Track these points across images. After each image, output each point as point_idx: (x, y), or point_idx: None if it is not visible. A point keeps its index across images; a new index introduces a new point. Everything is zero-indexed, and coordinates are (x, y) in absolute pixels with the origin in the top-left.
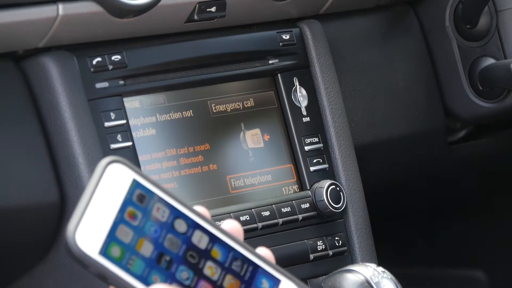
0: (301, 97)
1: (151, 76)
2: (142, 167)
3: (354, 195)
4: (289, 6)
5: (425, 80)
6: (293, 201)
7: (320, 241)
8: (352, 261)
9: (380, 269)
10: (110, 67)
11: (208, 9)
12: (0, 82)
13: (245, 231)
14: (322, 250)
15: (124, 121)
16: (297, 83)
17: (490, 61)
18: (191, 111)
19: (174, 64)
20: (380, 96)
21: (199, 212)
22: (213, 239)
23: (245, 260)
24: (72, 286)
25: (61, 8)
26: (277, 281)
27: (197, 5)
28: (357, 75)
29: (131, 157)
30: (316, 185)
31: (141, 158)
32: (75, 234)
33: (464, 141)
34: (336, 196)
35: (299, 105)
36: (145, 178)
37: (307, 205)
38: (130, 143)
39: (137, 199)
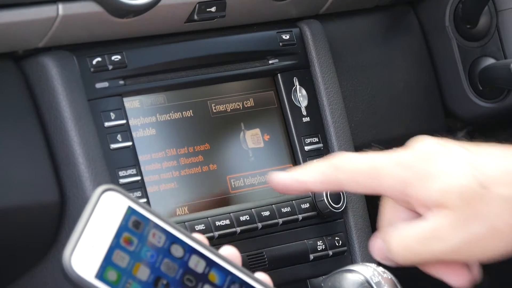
0: (301, 97)
1: (151, 76)
2: (142, 167)
3: (354, 195)
4: (289, 6)
5: (425, 80)
6: (293, 201)
7: (320, 241)
8: (352, 261)
9: (380, 269)
10: (110, 67)
11: (208, 9)
12: (0, 82)
13: (245, 231)
14: (322, 250)
15: (124, 121)
16: (297, 83)
17: (490, 61)
18: (191, 111)
19: (174, 64)
20: (380, 96)
21: (196, 238)
22: (210, 263)
23: (243, 284)
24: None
25: (61, 8)
26: None
27: (197, 5)
28: (357, 75)
29: (131, 157)
30: None
31: (141, 158)
32: (71, 258)
33: (464, 141)
34: (336, 196)
35: (299, 105)
36: (140, 205)
37: (307, 205)
38: (130, 143)
39: (133, 225)
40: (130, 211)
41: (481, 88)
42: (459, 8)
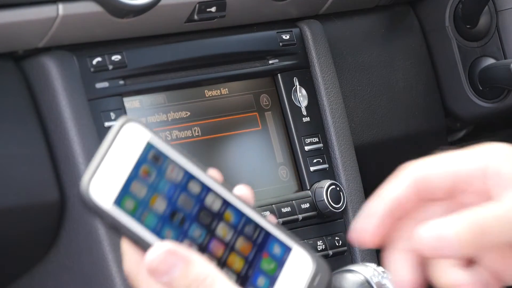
0: (301, 97)
1: (151, 76)
2: None
3: (354, 195)
4: (289, 6)
5: (425, 80)
6: (293, 201)
7: (320, 241)
8: (352, 261)
9: (380, 269)
10: (110, 67)
11: (208, 9)
12: (0, 82)
13: None
14: (322, 250)
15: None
16: (297, 83)
17: (490, 61)
18: (191, 111)
19: (174, 64)
20: (380, 96)
21: (213, 176)
22: (226, 203)
23: (258, 225)
24: (72, 286)
25: (61, 8)
26: (289, 248)
27: (197, 5)
28: (357, 75)
29: None
30: (316, 185)
31: None
32: (89, 185)
33: (464, 141)
34: (336, 196)
35: (299, 105)
36: (161, 139)
37: (307, 205)
38: None
39: (152, 158)
40: (151, 144)
41: (481, 88)
42: (459, 8)
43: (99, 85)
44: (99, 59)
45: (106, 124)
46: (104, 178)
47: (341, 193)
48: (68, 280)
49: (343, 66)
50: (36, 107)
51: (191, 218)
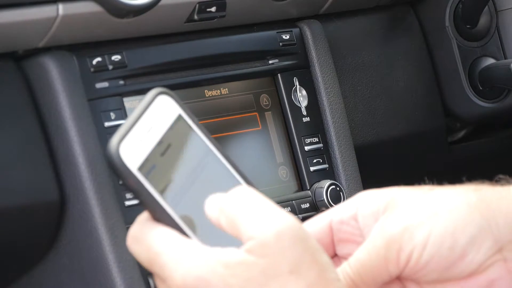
0: (301, 97)
1: (151, 76)
2: None
3: (354, 195)
4: (289, 6)
5: (425, 80)
6: (293, 201)
7: None
8: None
9: None
10: (110, 67)
11: (208, 9)
12: (0, 82)
13: None
14: None
15: (124, 121)
16: (297, 83)
17: (490, 61)
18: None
19: (174, 64)
20: (380, 96)
21: (226, 154)
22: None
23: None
24: (72, 286)
25: (61, 8)
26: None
27: (197, 5)
28: (357, 75)
29: None
30: (316, 185)
31: None
32: (120, 146)
33: (464, 141)
34: (336, 196)
35: (299, 105)
36: (190, 115)
37: (307, 205)
38: None
39: (179, 131)
40: (180, 118)
41: (481, 88)
42: (459, 8)
43: (99, 85)
44: (99, 59)
45: (106, 124)
46: (133, 143)
47: (341, 193)
48: (68, 280)
49: (343, 66)
50: (36, 107)
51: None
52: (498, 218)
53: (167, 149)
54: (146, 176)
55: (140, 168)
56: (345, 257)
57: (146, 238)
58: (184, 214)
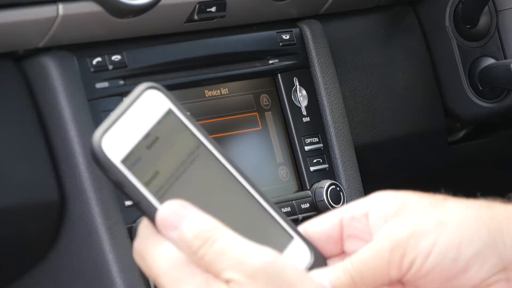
0: (301, 97)
1: (151, 76)
2: None
3: (354, 195)
4: (289, 6)
5: (425, 80)
6: (293, 201)
7: None
8: None
9: None
10: (110, 67)
11: (208, 9)
12: (0, 82)
13: None
14: None
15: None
16: (297, 83)
17: (490, 61)
18: (190, 111)
19: (174, 64)
20: (380, 96)
21: (222, 149)
22: (236, 181)
23: (267, 211)
24: (72, 286)
25: (61, 8)
26: (290, 237)
27: (197, 5)
28: (357, 75)
29: None
30: (316, 185)
31: None
32: (102, 139)
33: (464, 141)
34: (336, 196)
35: (299, 105)
36: (180, 110)
37: (307, 205)
38: None
39: (167, 126)
40: (170, 113)
41: (481, 88)
42: (459, 8)
43: (99, 85)
44: (99, 59)
45: None
46: (117, 136)
47: (341, 193)
48: (68, 280)
49: (343, 66)
50: (36, 107)
51: (198, 191)
52: (506, 237)
53: (154, 142)
54: (130, 168)
55: (124, 161)
56: (351, 254)
57: (147, 258)
58: None
